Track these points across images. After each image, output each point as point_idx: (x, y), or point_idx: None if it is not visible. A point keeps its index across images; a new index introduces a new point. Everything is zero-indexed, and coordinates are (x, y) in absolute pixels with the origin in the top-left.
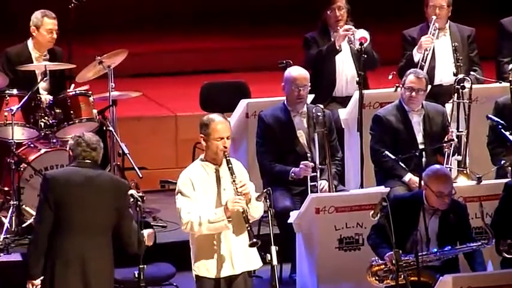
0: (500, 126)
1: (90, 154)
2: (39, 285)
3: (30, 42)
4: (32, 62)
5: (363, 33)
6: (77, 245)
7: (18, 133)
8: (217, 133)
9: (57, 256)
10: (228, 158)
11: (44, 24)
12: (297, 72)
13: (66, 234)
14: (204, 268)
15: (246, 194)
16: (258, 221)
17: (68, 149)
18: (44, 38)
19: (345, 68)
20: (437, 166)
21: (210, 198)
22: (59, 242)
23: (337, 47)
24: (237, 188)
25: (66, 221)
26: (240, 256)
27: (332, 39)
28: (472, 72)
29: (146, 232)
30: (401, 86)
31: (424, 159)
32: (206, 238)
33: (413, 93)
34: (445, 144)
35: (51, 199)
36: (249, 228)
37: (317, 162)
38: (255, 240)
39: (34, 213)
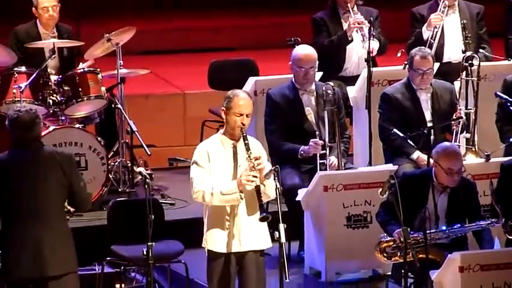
0: (508, 104)
1: (27, 134)
2: None
3: (38, 21)
4: (41, 40)
5: (373, 44)
6: (30, 231)
7: None
8: (237, 108)
9: (10, 243)
10: (244, 135)
11: (39, 3)
12: (304, 53)
13: (17, 220)
14: (211, 241)
15: (261, 170)
16: None
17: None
18: (43, 16)
19: (355, 47)
20: (447, 143)
21: (225, 173)
22: (11, 229)
23: (349, 37)
24: (253, 164)
25: (15, 207)
26: (249, 234)
27: (342, 20)
28: (480, 50)
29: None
30: (408, 65)
31: (432, 137)
32: (217, 212)
33: (424, 76)
34: (453, 122)
35: None
36: (260, 203)
37: (326, 140)
38: (265, 214)
39: None
